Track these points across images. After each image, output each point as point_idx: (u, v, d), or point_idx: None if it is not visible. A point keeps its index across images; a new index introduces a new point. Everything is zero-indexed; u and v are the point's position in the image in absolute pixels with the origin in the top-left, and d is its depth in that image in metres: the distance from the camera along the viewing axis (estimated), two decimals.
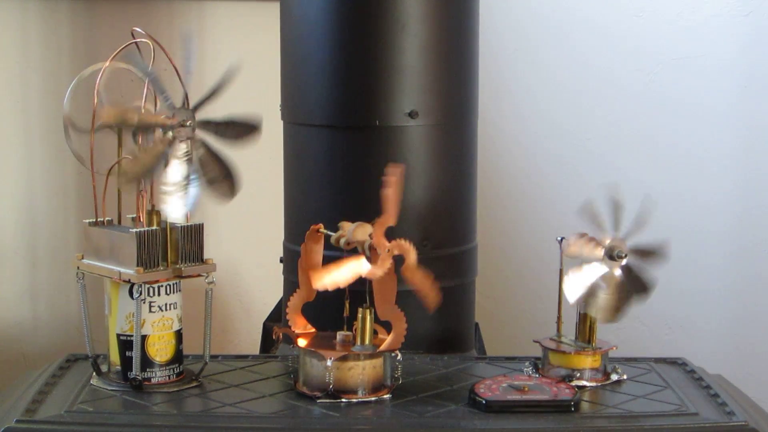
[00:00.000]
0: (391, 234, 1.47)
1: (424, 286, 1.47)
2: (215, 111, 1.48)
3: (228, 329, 2.35)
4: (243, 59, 1.46)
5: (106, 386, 1.51)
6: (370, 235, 1.46)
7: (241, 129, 1.49)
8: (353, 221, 1.49)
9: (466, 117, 1.76)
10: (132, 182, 1.47)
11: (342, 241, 1.48)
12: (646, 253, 1.54)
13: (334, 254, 1.51)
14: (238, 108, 1.50)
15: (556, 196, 2.35)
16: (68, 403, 1.44)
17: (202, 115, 1.47)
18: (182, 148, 1.46)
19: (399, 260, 1.47)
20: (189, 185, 1.46)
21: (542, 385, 1.49)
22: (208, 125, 1.48)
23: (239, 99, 1.52)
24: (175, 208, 1.46)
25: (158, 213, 1.53)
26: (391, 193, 1.45)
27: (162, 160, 1.44)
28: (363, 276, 1.45)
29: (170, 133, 1.45)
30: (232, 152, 1.50)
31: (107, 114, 1.44)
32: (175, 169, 1.46)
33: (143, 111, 1.49)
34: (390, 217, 1.45)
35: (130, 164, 1.46)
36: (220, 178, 1.48)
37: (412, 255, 1.46)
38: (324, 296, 1.53)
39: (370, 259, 1.46)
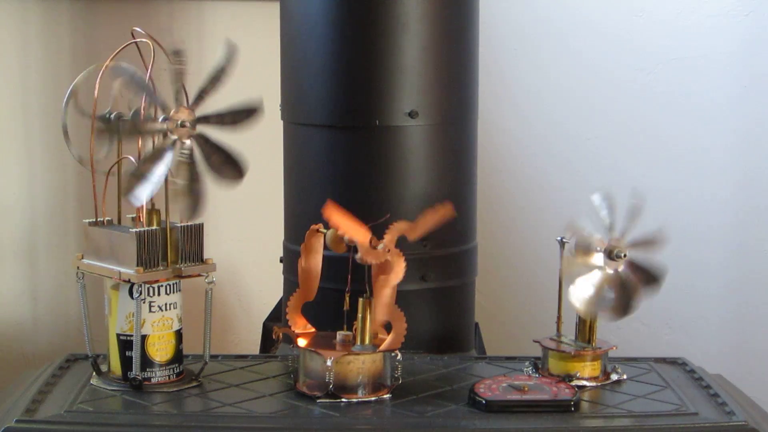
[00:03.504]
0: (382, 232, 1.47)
1: (434, 220, 1.48)
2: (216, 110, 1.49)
3: (228, 329, 2.35)
4: (237, 49, 1.46)
5: (106, 386, 1.51)
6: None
7: (242, 114, 1.49)
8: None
9: (466, 117, 1.76)
10: (138, 194, 1.45)
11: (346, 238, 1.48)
12: (645, 244, 1.54)
13: (334, 254, 1.51)
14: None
15: (556, 196, 2.35)
16: (68, 403, 1.44)
17: (202, 110, 1.47)
18: (184, 147, 1.46)
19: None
20: (195, 186, 1.45)
21: (542, 385, 1.49)
22: (208, 119, 1.48)
23: (239, 99, 1.52)
24: (181, 208, 1.46)
25: (158, 211, 1.53)
26: (431, 218, 1.47)
27: (165, 165, 1.44)
28: (357, 248, 1.45)
29: (170, 137, 1.45)
30: (234, 145, 1.50)
31: (104, 134, 1.44)
32: (179, 170, 1.45)
33: (140, 119, 1.48)
34: (414, 231, 1.46)
35: (133, 179, 1.45)
36: (226, 164, 1.48)
37: (405, 225, 1.46)
38: (324, 296, 1.53)
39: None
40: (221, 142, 1.48)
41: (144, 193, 1.42)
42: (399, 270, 1.45)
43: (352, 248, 1.47)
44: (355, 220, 1.46)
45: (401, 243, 1.48)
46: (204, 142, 1.47)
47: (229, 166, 1.48)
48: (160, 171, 1.43)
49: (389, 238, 1.46)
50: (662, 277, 1.54)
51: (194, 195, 1.46)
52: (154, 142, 1.48)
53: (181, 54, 1.44)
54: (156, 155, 1.44)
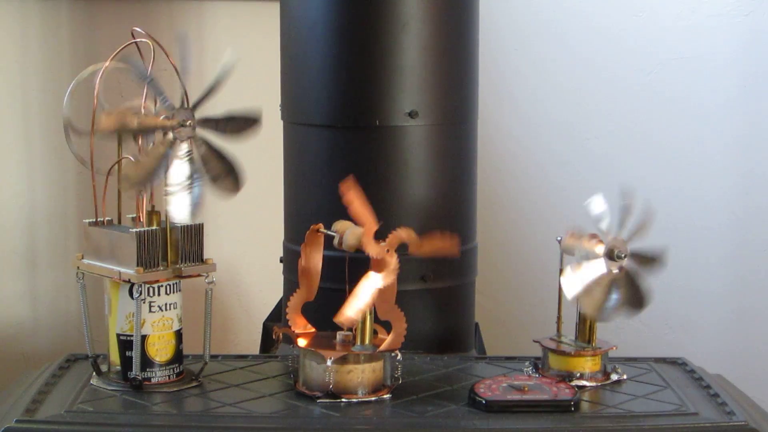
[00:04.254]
0: (386, 231, 1.47)
1: (440, 247, 1.47)
2: (216, 111, 1.48)
3: (228, 329, 2.35)
4: (238, 55, 1.46)
5: (106, 386, 1.51)
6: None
7: (242, 123, 1.49)
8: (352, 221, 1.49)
9: (466, 117, 1.76)
10: (135, 186, 1.46)
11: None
12: (645, 259, 1.54)
13: (335, 254, 1.51)
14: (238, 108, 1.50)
15: (556, 196, 2.35)
16: (68, 403, 1.44)
17: (201, 113, 1.47)
18: (183, 147, 1.46)
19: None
20: (192, 185, 1.46)
21: (542, 385, 1.49)
22: (208, 122, 1.48)
23: (239, 99, 1.52)
24: (178, 209, 1.46)
25: (158, 213, 1.53)
26: (356, 206, 1.45)
27: (164, 162, 1.44)
28: (381, 288, 1.45)
29: (171, 135, 1.45)
30: (233, 149, 1.50)
31: (106, 121, 1.44)
32: (178, 170, 1.46)
33: (143, 113, 1.48)
34: (370, 224, 1.45)
35: (133, 168, 1.46)
36: (224, 174, 1.48)
37: (410, 235, 1.46)
38: (324, 296, 1.53)
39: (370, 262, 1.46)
40: (222, 149, 1.49)
41: (186, 210, 1.45)
42: (390, 270, 1.45)
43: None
44: (368, 207, 1.46)
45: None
46: (204, 146, 1.47)
47: (227, 177, 1.49)
48: (186, 180, 1.45)
49: (391, 240, 1.46)
50: (646, 303, 1.54)
51: (228, 170, 1.48)
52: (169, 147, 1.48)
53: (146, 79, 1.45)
54: (154, 152, 1.44)
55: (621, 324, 1.56)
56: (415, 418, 1.41)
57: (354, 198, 1.44)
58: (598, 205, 1.52)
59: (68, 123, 1.55)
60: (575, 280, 1.52)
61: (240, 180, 1.49)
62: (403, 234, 1.47)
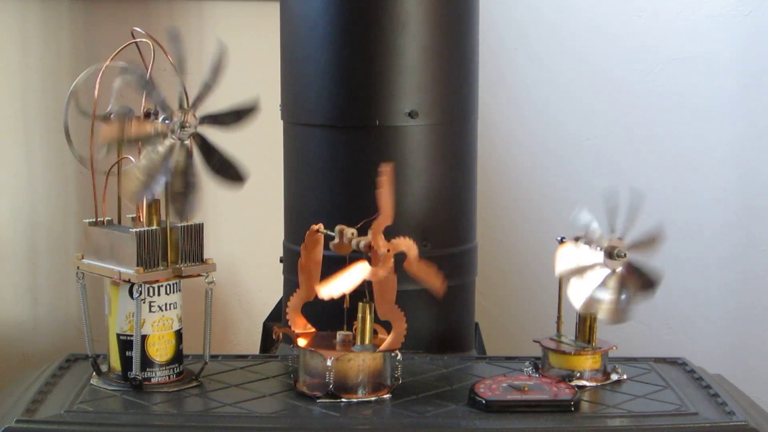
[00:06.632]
0: (390, 233, 1.47)
1: (429, 277, 1.48)
2: (214, 108, 1.49)
3: (228, 329, 2.35)
4: (226, 45, 1.47)
5: (106, 386, 1.51)
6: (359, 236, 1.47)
7: (240, 114, 1.50)
8: (353, 221, 1.49)
9: (466, 117, 1.76)
10: (138, 195, 1.46)
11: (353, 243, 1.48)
12: (643, 244, 1.54)
13: (335, 254, 1.51)
14: None
15: (556, 196, 2.35)
16: (68, 403, 1.44)
17: (200, 110, 1.47)
18: (184, 148, 1.46)
19: (399, 258, 1.48)
20: (193, 184, 1.46)
21: (542, 385, 1.49)
22: (208, 119, 1.48)
23: (239, 99, 1.52)
24: (179, 210, 1.46)
25: (158, 206, 1.53)
26: (384, 193, 1.45)
27: (163, 166, 1.44)
28: (366, 279, 1.45)
29: (170, 138, 1.45)
30: (234, 147, 1.50)
31: (105, 134, 1.44)
32: (178, 171, 1.46)
33: (143, 114, 1.48)
34: (386, 217, 1.45)
35: (133, 178, 1.45)
36: (226, 167, 1.48)
37: (413, 250, 1.47)
38: None
39: (370, 259, 1.46)
40: (221, 147, 1.49)
41: (195, 207, 1.46)
42: (384, 268, 1.45)
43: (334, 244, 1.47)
44: (392, 200, 1.46)
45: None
46: (204, 144, 1.48)
47: (230, 170, 1.49)
48: (197, 181, 1.46)
49: (396, 243, 1.46)
50: (659, 281, 1.54)
51: (229, 164, 1.49)
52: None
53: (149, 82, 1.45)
54: (180, 170, 1.45)
55: (621, 324, 1.55)
56: (415, 418, 1.41)
57: (386, 185, 1.44)
58: (583, 215, 1.53)
59: (68, 124, 1.55)
60: (582, 291, 1.52)
61: (243, 172, 1.49)
62: (408, 244, 1.47)
